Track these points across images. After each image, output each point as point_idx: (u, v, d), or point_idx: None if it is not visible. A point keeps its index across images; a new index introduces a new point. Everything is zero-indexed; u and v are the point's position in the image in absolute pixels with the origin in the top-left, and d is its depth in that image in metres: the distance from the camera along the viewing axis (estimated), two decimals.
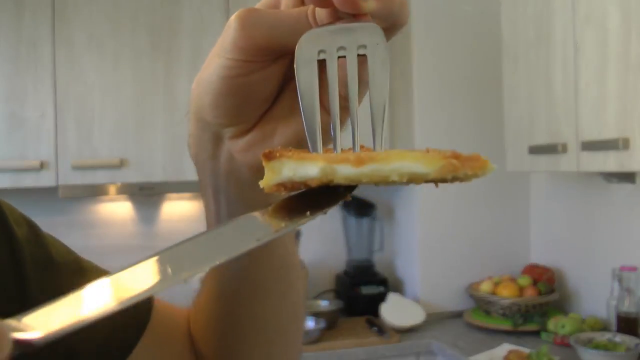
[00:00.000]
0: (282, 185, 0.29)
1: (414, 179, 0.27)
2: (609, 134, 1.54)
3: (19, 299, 0.44)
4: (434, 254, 2.37)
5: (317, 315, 2.12)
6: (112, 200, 2.41)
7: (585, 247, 2.15)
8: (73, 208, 2.36)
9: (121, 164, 2.08)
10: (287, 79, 0.36)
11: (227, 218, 0.41)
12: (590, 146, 1.61)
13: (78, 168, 2.05)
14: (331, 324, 2.13)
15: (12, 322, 0.20)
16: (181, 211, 2.46)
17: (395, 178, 0.27)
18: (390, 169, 0.27)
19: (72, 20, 2.06)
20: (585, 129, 1.64)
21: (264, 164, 0.29)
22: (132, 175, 2.10)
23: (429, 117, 2.35)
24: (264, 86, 0.35)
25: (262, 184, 0.29)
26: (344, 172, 0.27)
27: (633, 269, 1.82)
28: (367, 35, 0.31)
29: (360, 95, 0.32)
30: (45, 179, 2.03)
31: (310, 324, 2.08)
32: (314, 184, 0.28)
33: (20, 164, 2.00)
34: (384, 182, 0.27)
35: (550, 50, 1.79)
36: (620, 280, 1.83)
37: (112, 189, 2.11)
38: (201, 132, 0.38)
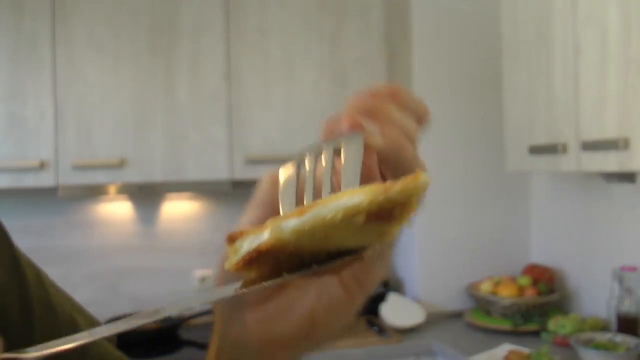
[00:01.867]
0: (242, 260, 0.29)
1: (350, 213, 0.27)
2: (609, 134, 1.54)
3: (25, 333, 0.44)
4: (434, 254, 2.37)
5: None
6: (112, 200, 2.41)
7: (585, 247, 2.15)
8: (73, 208, 2.36)
9: (121, 164, 2.08)
10: None
11: None
12: (591, 146, 1.61)
13: (78, 168, 2.05)
14: None
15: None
16: (181, 211, 2.46)
17: (330, 216, 0.27)
18: (327, 210, 0.27)
19: (72, 19, 2.06)
20: (585, 129, 1.64)
21: (227, 248, 0.29)
22: (132, 175, 2.10)
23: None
24: None
25: (226, 266, 0.29)
26: (289, 225, 0.28)
27: (633, 269, 1.82)
28: (346, 138, 0.31)
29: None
30: (44, 179, 2.03)
31: None
32: (265, 247, 0.28)
33: (20, 164, 2.00)
34: (329, 228, 0.27)
35: (550, 50, 1.79)
36: (620, 280, 1.83)
37: (112, 189, 2.11)
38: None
